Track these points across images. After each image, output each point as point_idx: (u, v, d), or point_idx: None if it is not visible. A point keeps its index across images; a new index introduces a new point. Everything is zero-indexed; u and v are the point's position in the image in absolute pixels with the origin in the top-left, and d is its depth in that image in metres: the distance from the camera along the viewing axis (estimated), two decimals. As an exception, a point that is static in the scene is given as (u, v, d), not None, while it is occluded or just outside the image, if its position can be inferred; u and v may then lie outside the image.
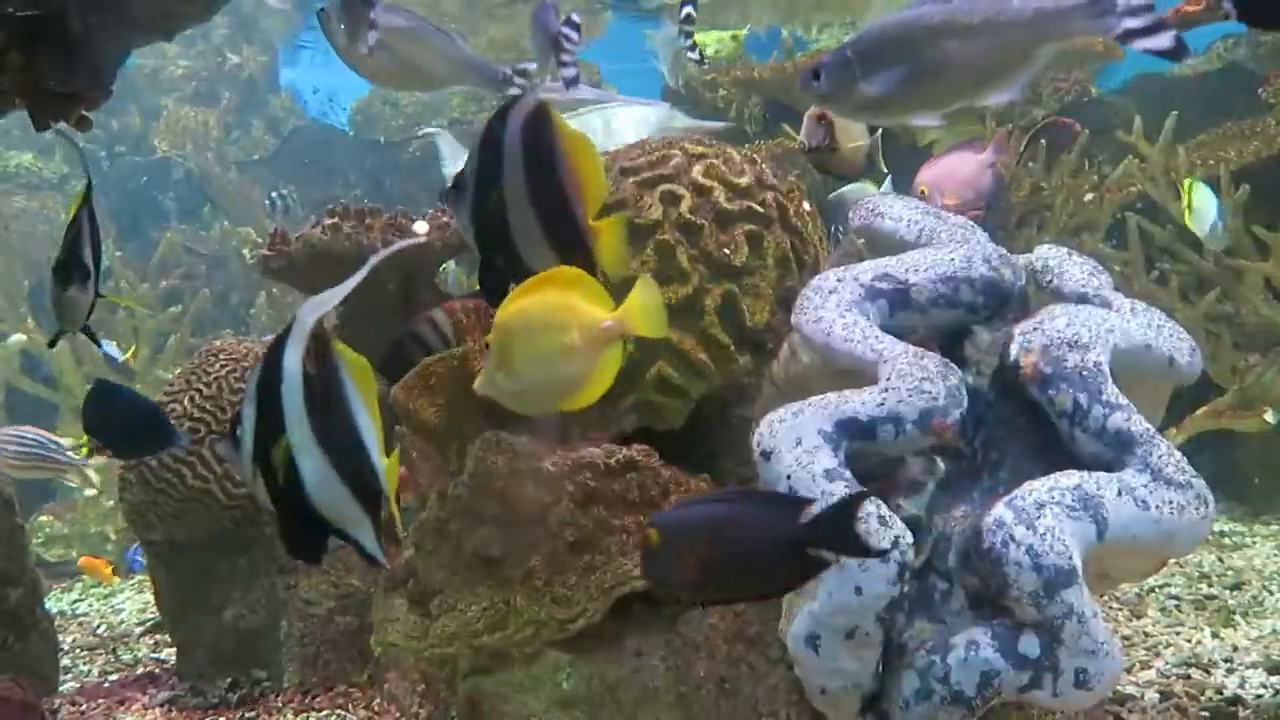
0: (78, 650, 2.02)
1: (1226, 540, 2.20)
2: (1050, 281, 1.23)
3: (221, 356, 1.77)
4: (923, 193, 1.40)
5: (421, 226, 1.88)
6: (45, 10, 1.26)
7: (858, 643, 1.03)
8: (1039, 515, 1.02)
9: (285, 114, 5.13)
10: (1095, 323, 1.14)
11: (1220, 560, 2.04)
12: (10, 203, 4.19)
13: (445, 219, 1.91)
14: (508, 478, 1.23)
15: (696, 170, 1.42)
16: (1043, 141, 2.64)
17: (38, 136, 1.46)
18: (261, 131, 4.98)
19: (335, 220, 1.81)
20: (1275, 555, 2.08)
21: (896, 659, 1.06)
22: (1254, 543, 2.18)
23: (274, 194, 3.13)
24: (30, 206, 4.17)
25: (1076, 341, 1.12)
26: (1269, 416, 2.15)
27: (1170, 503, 1.04)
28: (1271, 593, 1.82)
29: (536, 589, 1.21)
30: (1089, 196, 2.63)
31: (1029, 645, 1.00)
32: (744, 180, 1.43)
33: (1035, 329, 1.14)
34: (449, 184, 1.03)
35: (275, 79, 5.31)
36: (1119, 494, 1.03)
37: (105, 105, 1.43)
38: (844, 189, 1.72)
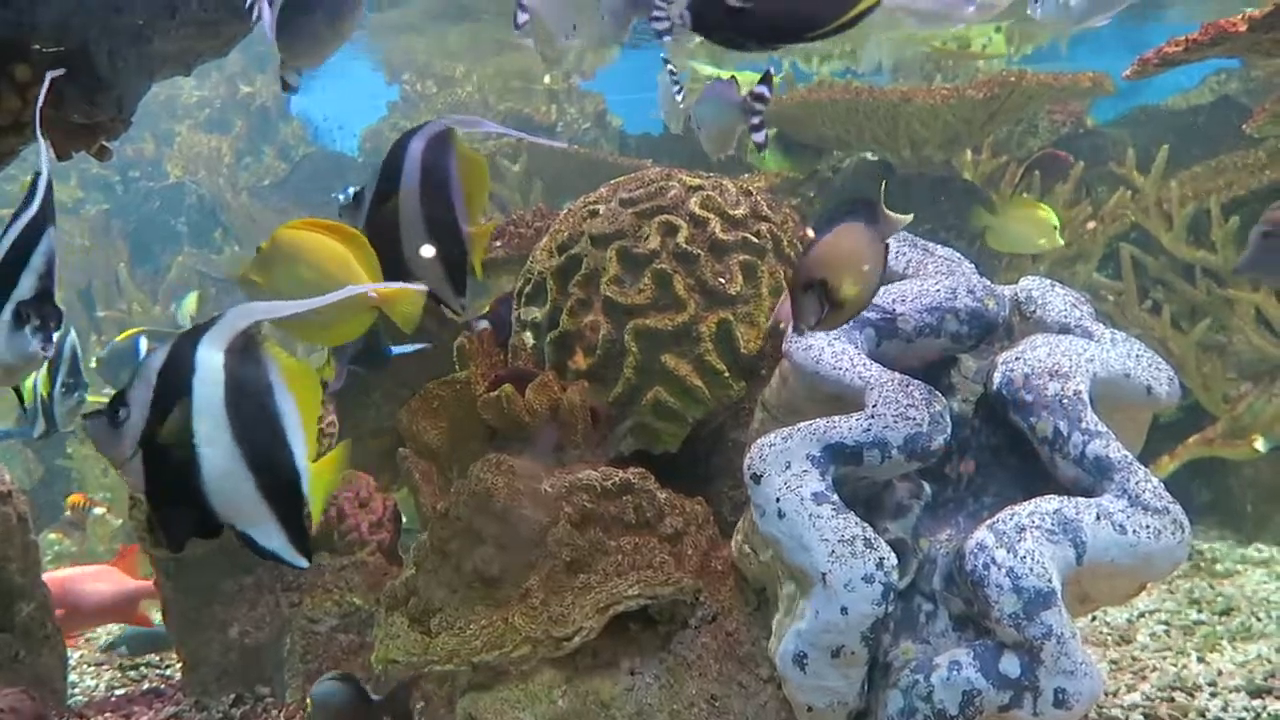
0: (84, 665, 2.06)
1: (1218, 566, 2.22)
2: (1034, 312, 1.28)
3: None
4: (781, 328, 1.28)
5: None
6: (70, 47, 1.32)
7: (844, 661, 1.07)
8: (1020, 539, 1.05)
9: (296, 141, 5.21)
10: (1076, 352, 1.17)
11: (1211, 586, 2.06)
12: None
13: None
14: (507, 498, 1.27)
15: (693, 201, 1.47)
16: (1036, 173, 2.69)
17: (55, 162, 1.45)
18: (272, 158, 5.06)
19: (344, 247, 1.86)
20: (1266, 582, 2.10)
21: (882, 678, 1.10)
22: (1245, 569, 2.20)
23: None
24: (45, 229, 4.24)
25: (1057, 371, 1.15)
26: (1259, 444, 2.18)
27: (1147, 527, 1.07)
28: (1259, 619, 1.84)
29: (534, 607, 1.24)
30: (1091, 225, 2.68)
31: (1010, 665, 1.04)
32: (739, 211, 1.48)
33: (1017, 358, 1.18)
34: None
35: (286, 107, 5.40)
36: (1097, 518, 1.07)
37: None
38: None
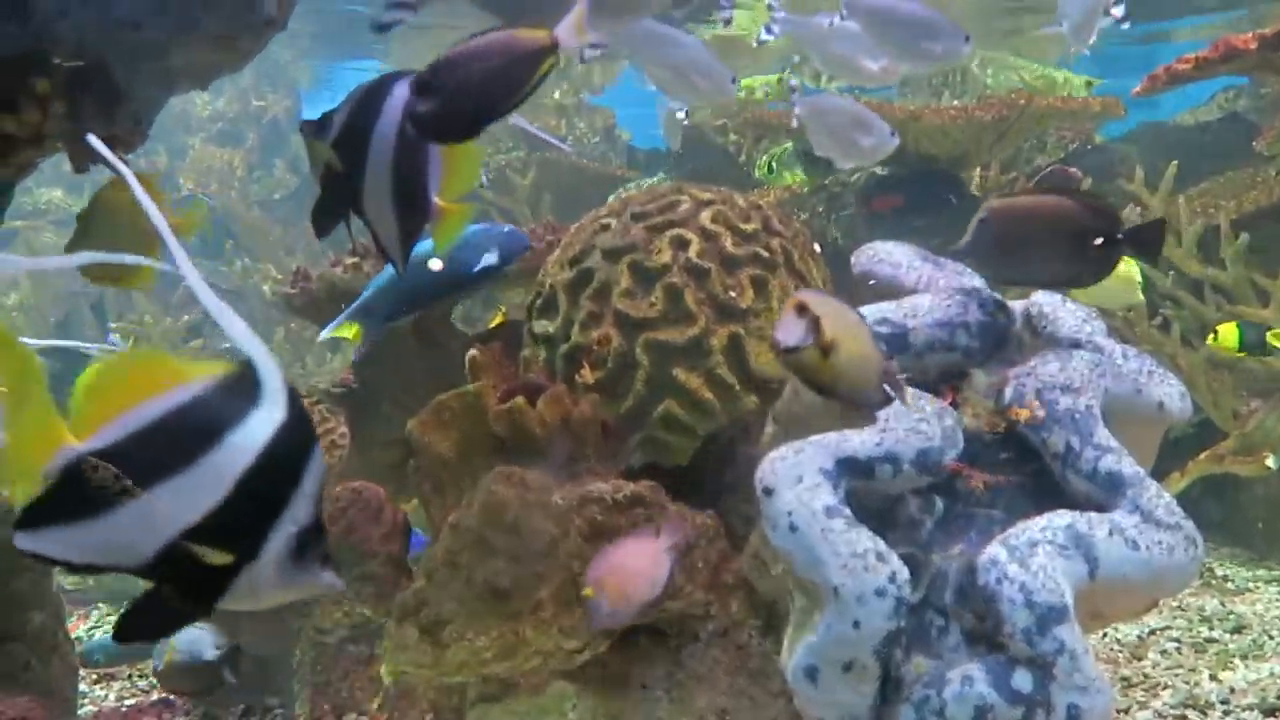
0: (94, 675, 2.06)
1: (1230, 584, 2.21)
2: (1045, 327, 1.28)
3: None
4: (587, 594, 1.09)
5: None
6: (90, 61, 1.33)
7: (855, 676, 1.06)
8: (1032, 554, 1.05)
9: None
10: (1087, 368, 1.18)
11: (1223, 604, 2.05)
12: (40, 238, 4.30)
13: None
14: (518, 511, 1.27)
15: (705, 216, 1.48)
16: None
17: (66, 173, 1.48)
18: (284, 171, 5.09)
19: (356, 259, 1.87)
20: (1278, 599, 2.09)
21: (894, 693, 1.09)
22: (1257, 587, 2.19)
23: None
24: (59, 242, 4.28)
25: (1069, 386, 1.16)
26: (1270, 462, 2.17)
27: (1160, 543, 1.07)
28: (1272, 636, 1.83)
29: (544, 620, 1.24)
30: (1099, 241, 2.67)
31: (1022, 681, 1.03)
32: (750, 226, 1.49)
33: (1029, 373, 1.18)
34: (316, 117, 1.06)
35: (298, 121, 5.43)
36: (1110, 534, 1.07)
37: (134, 145, 1.50)
38: None
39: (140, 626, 0.71)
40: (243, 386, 0.69)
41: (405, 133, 0.98)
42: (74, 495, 0.66)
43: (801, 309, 0.94)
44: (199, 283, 0.71)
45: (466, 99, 0.91)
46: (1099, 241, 1.14)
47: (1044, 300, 1.31)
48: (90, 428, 0.67)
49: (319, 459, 0.71)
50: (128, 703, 1.87)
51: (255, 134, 5.20)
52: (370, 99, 1.00)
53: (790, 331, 0.94)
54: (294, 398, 0.70)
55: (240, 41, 1.44)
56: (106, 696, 1.94)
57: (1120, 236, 1.16)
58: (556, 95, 4.51)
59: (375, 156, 1.00)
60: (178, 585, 0.69)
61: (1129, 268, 2.22)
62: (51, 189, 4.58)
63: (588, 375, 1.44)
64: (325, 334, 1.69)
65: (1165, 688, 1.61)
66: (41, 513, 0.67)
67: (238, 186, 4.64)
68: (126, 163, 1.49)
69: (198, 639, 1.63)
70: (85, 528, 0.66)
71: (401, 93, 0.97)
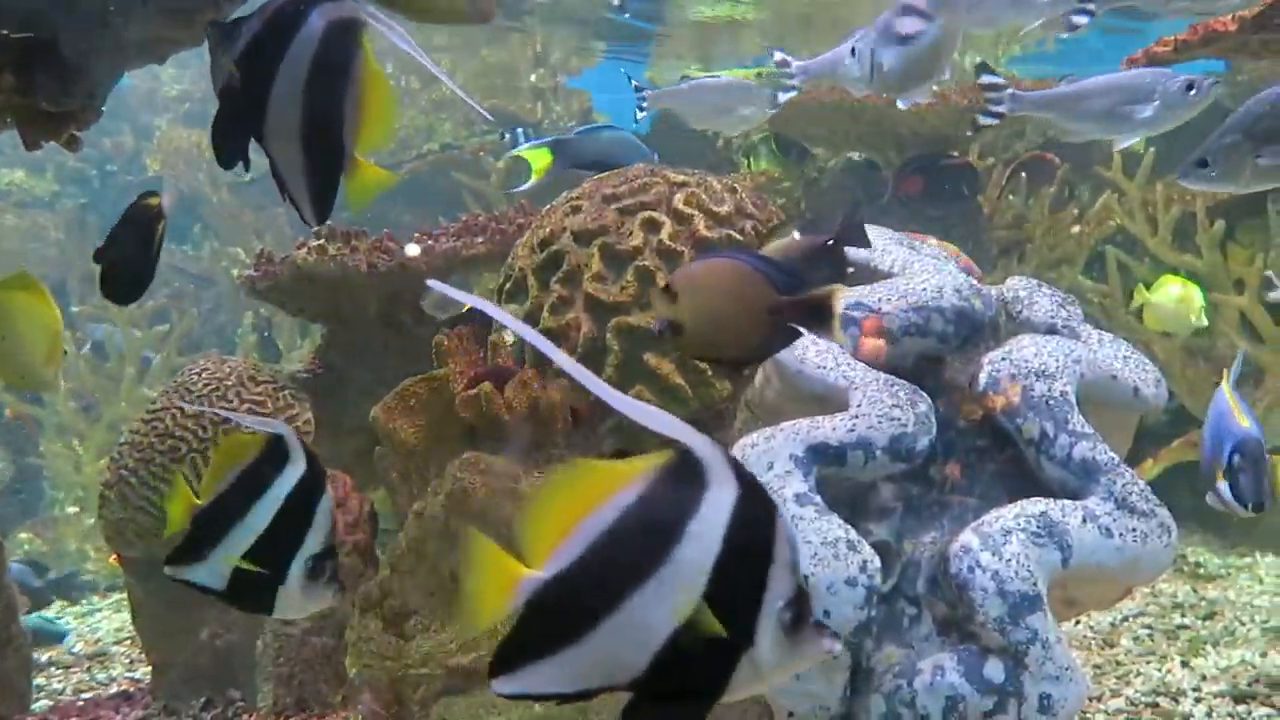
0: (53, 668, 2.02)
1: (1202, 571, 2.22)
2: (1020, 312, 1.26)
3: (204, 375, 1.78)
4: None
5: (413, 249, 1.91)
6: (39, 33, 1.28)
7: (826, 666, 1.05)
8: (1005, 542, 1.04)
9: (277, 136, 5.15)
10: (1062, 353, 1.16)
11: (1194, 591, 2.06)
12: (1, 220, 4.21)
13: (430, 242, 1.93)
14: (485, 498, 1.25)
15: (678, 198, 1.45)
16: (1023, 175, 2.68)
17: (29, 154, 1.42)
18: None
19: (321, 242, 1.83)
20: (1249, 586, 2.10)
21: (864, 683, 1.08)
22: (1229, 574, 2.20)
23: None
24: (21, 224, 4.19)
25: (1043, 371, 1.14)
26: (1243, 449, 2.17)
27: (1134, 530, 1.06)
28: (1243, 623, 1.84)
29: (511, 610, 1.21)
30: (1075, 229, 2.67)
31: (994, 671, 1.02)
32: (724, 209, 1.46)
33: (1004, 359, 1.17)
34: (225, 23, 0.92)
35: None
36: (1084, 521, 1.05)
37: (98, 125, 1.45)
38: None
39: None
40: (685, 471, 0.65)
41: (319, 65, 0.87)
42: (548, 625, 0.62)
43: (665, 289, 0.89)
44: (584, 374, 0.64)
45: (124, 259, 1.23)
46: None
47: (1020, 285, 1.29)
48: (545, 553, 0.63)
49: (786, 527, 0.66)
50: (85, 696, 1.83)
51: (225, 115, 5.10)
52: (285, 16, 0.87)
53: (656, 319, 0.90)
54: (739, 469, 0.65)
55: (197, 15, 1.39)
56: (64, 690, 1.90)
57: (831, 242, 1.12)
58: (533, 79, 4.46)
59: (283, 85, 0.87)
60: (677, 690, 0.64)
61: (1189, 290, 2.20)
62: (12, 170, 4.48)
63: (560, 360, 1.41)
64: (515, 150, 1.72)
65: (1137, 675, 1.61)
66: (517, 652, 0.62)
67: (206, 168, 4.55)
68: (79, 140, 1.44)
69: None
70: (568, 655, 0.62)
71: (318, 24, 0.87)
